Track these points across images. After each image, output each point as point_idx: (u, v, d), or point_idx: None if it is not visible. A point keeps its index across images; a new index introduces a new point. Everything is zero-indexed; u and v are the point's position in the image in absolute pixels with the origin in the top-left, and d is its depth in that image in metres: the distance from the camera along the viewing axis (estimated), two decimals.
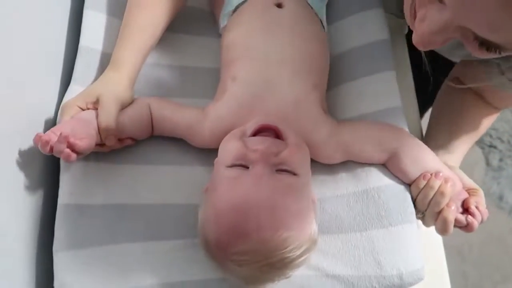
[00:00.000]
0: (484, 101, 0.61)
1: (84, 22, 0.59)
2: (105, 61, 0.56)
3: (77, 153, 0.45)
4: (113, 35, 0.57)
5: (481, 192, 0.53)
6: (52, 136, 0.45)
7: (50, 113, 0.54)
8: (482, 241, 1.39)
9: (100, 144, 0.50)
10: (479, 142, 1.55)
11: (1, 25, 0.45)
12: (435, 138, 0.61)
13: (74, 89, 0.53)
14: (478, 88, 0.59)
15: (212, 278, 0.49)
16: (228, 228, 0.42)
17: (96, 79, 0.55)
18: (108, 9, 0.61)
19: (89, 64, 0.56)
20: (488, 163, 1.54)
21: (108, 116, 0.48)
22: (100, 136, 0.49)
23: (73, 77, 0.55)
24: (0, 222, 0.44)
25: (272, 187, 0.44)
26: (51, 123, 0.53)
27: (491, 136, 1.55)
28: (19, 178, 0.48)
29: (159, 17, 0.56)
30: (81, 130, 0.46)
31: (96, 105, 0.50)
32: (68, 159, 0.44)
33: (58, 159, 0.51)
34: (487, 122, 0.62)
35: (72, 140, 0.44)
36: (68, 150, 0.44)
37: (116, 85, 0.51)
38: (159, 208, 0.53)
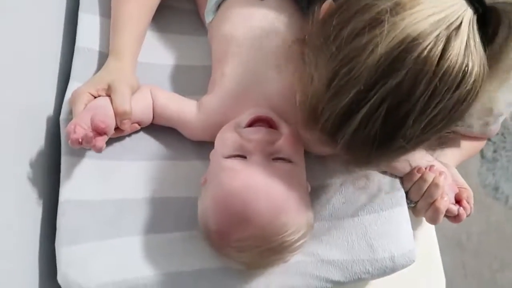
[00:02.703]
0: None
1: (80, 24, 0.61)
2: (102, 59, 0.58)
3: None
4: (107, 35, 0.59)
5: (470, 192, 0.55)
6: (81, 131, 0.45)
7: (49, 111, 0.56)
8: (480, 231, 1.42)
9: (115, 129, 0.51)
10: None
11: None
12: None
13: (74, 86, 0.55)
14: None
15: (210, 267, 0.51)
16: (229, 216, 0.44)
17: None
18: (102, 11, 0.62)
19: (87, 62, 0.58)
20: (483, 156, 1.56)
21: (124, 101, 0.50)
22: (116, 121, 0.50)
23: (71, 75, 0.57)
24: (4, 219, 0.46)
25: (270, 174, 0.45)
26: (51, 120, 0.55)
27: None
28: (21, 176, 0.49)
29: (147, 5, 0.59)
30: (102, 116, 0.47)
31: (107, 91, 0.51)
32: (98, 150, 0.47)
33: (59, 156, 0.52)
34: (476, 146, 0.66)
35: (101, 130, 0.46)
36: (100, 145, 0.46)
37: (123, 71, 0.53)
38: (157, 201, 0.54)
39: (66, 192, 0.51)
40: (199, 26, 0.67)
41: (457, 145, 0.64)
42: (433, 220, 0.51)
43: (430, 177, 0.51)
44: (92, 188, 0.53)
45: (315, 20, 0.43)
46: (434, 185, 0.51)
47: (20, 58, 0.51)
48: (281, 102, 0.51)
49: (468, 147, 0.65)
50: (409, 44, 0.35)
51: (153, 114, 0.55)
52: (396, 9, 0.35)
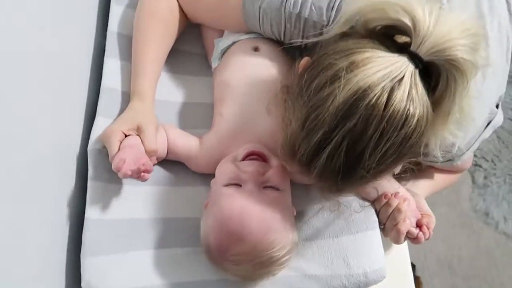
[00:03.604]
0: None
1: (105, 67, 0.71)
2: (124, 98, 0.68)
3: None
4: (128, 77, 0.70)
5: (432, 218, 0.64)
6: (132, 166, 0.55)
7: (78, 141, 0.66)
8: (471, 255, 1.47)
9: None
10: None
11: (34, 70, 0.56)
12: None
13: (100, 120, 0.65)
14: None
15: (211, 279, 0.60)
16: (227, 234, 0.53)
17: (118, 112, 0.67)
18: (124, 56, 0.73)
19: (111, 100, 0.68)
20: (474, 181, 1.63)
21: (152, 141, 0.60)
22: None
23: (98, 111, 0.67)
24: (39, 233, 0.55)
25: (261, 200, 0.55)
26: (80, 149, 0.65)
27: (476, 155, 1.64)
28: (54, 197, 0.59)
29: (163, 50, 0.70)
30: (140, 154, 0.57)
31: (137, 131, 0.60)
32: (145, 180, 0.57)
33: (86, 181, 0.62)
34: (450, 178, 0.75)
35: (146, 167, 0.56)
36: (145, 174, 0.57)
37: (147, 113, 0.63)
38: (166, 221, 0.64)
39: (91, 211, 0.60)
40: (204, 68, 0.78)
41: (431, 177, 0.73)
42: (395, 240, 0.60)
43: (394, 202, 0.60)
44: (112, 209, 0.62)
45: (295, 73, 0.53)
46: (397, 210, 0.60)
47: (55, 94, 0.61)
48: (270, 139, 0.60)
49: (441, 179, 0.74)
50: (360, 94, 0.44)
51: (168, 151, 0.65)
52: (350, 67, 0.45)
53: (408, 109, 0.44)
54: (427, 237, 0.60)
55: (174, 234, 0.63)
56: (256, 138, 0.61)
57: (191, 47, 0.79)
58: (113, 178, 0.62)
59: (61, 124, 0.63)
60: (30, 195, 0.53)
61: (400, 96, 0.43)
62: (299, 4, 0.59)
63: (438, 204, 1.49)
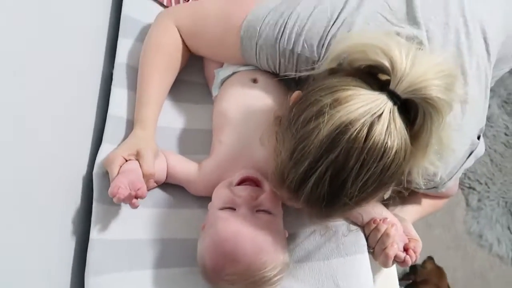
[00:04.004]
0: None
1: (112, 96, 0.76)
2: (128, 125, 0.73)
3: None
4: (132, 106, 0.75)
5: (420, 243, 0.67)
6: (125, 192, 0.58)
7: (84, 165, 0.71)
8: (465, 277, 1.49)
9: None
10: (460, 184, 1.68)
11: (46, 98, 0.60)
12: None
13: (105, 146, 0.69)
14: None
15: None
16: (222, 255, 0.57)
17: (122, 138, 0.71)
18: (130, 86, 0.78)
19: (116, 127, 0.73)
20: (468, 204, 1.66)
21: (150, 165, 0.64)
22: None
23: (103, 138, 0.71)
24: (46, 254, 0.59)
25: (254, 224, 0.58)
26: (86, 173, 0.69)
27: (470, 178, 1.68)
28: (59, 218, 0.63)
29: (167, 82, 0.76)
30: (136, 179, 0.61)
31: (136, 156, 0.65)
32: (135, 207, 0.61)
33: (91, 205, 0.66)
34: (437, 203, 0.79)
35: (139, 194, 0.60)
36: (135, 202, 0.60)
37: (148, 140, 0.68)
38: (165, 242, 0.67)
39: (95, 232, 0.64)
40: (204, 96, 0.82)
41: (418, 202, 0.77)
42: (384, 264, 0.64)
43: (383, 228, 0.64)
44: (115, 230, 0.66)
45: (287, 106, 0.58)
46: (386, 234, 0.63)
47: (65, 121, 0.65)
48: (265, 165, 0.63)
49: (428, 204, 0.78)
50: (343, 129, 0.48)
51: (167, 175, 0.69)
52: (334, 104, 0.49)
53: (387, 142, 0.48)
54: (413, 260, 0.63)
55: (172, 254, 0.66)
56: (252, 164, 0.66)
57: (193, 77, 0.84)
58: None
59: (70, 149, 0.67)
60: (39, 214, 0.56)
61: (379, 130, 0.47)
62: (292, 41, 0.64)
63: (433, 226, 1.52)
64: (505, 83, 1.68)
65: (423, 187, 0.63)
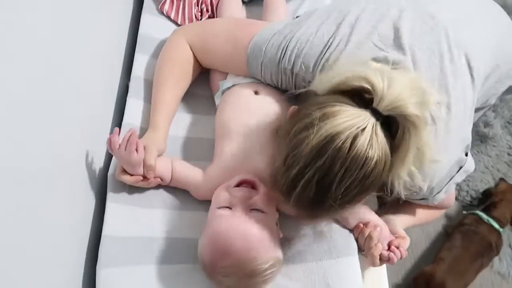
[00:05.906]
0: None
1: (127, 106, 0.83)
2: (142, 133, 0.79)
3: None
4: (145, 115, 0.82)
5: (407, 240, 0.72)
6: (115, 139, 0.68)
7: (100, 166, 0.78)
8: None
9: (142, 179, 0.71)
10: (462, 201, 1.70)
11: (68, 105, 0.68)
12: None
13: None
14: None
15: None
16: (216, 249, 0.62)
17: None
18: (144, 97, 0.85)
19: None
20: None
21: (151, 157, 0.70)
22: (144, 171, 0.70)
23: None
24: (62, 249, 0.64)
25: (247, 221, 0.64)
26: (101, 175, 0.76)
27: (472, 196, 1.70)
28: (76, 215, 0.69)
29: (179, 94, 0.83)
30: (136, 154, 0.68)
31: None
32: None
33: (105, 200, 0.72)
34: (434, 213, 0.83)
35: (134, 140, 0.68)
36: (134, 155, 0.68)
37: (156, 139, 0.75)
38: (171, 240, 0.73)
39: (108, 229, 0.70)
40: (209, 108, 0.88)
41: (412, 209, 0.81)
42: (372, 263, 0.69)
43: (366, 231, 0.70)
44: (125, 227, 0.72)
45: (285, 118, 0.64)
46: (369, 237, 0.69)
47: (83, 128, 0.73)
48: (264, 173, 0.69)
49: (423, 213, 0.82)
50: (329, 139, 0.54)
51: (171, 178, 0.75)
52: (323, 118, 0.56)
53: (368, 153, 0.54)
54: (398, 256, 0.68)
55: (177, 252, 0.72)
56: (253, 170, 0.71)
57: (200, 89, 0.91)
58: (128, 201, 0.72)
59: (87, 152, 0.74)
60: (56, 213, 0.63)
61: (361, 142, 0.54)
62: (292, 62, 0.72)
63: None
64: (508, 104, 1.71)
65: (404, 197, 0.67)
